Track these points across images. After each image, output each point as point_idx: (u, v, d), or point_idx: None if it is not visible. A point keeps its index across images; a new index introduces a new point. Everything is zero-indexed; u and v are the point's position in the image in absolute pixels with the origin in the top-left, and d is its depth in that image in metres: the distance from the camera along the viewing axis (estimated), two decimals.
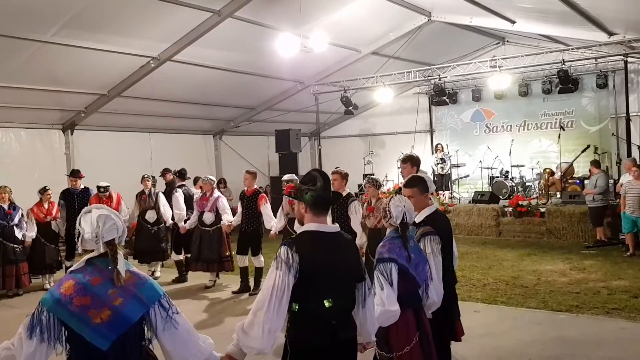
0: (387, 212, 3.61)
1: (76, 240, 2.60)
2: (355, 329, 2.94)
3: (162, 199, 9.82)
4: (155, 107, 13.62)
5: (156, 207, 9.75)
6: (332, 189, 3.04)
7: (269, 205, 8.37)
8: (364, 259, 6.75)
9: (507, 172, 15.04)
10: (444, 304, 3.88)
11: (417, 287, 3.58)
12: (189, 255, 9.32)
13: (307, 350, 2.79)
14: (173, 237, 9.75)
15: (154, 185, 9.98)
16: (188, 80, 12.53)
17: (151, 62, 11.10)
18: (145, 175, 9.97)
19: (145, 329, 2.55)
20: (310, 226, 2.89)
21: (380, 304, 3.33)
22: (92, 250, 2.56)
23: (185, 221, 9.24)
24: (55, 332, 2.39)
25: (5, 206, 8.81)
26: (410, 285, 3.52)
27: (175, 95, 13.26)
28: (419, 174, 4.95)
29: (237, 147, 17.01)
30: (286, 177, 8.92)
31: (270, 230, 8.29)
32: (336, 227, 3.04)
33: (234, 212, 9.07)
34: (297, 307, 2.78)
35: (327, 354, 2.77)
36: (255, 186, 8.63)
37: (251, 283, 8.57)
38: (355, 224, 6.84)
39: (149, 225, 9.75)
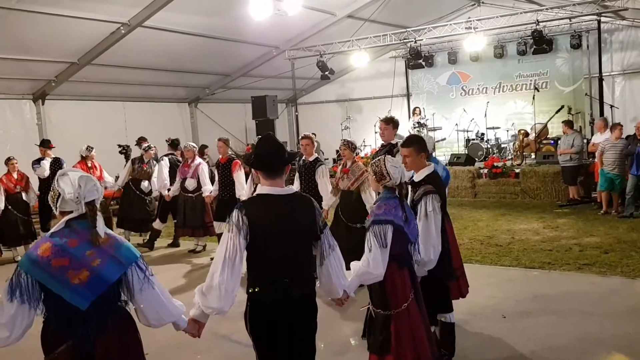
0: (386, 175, 3.60)
1: (53, 202, 2.60)
2: (312, 286, 3.05)
3: (156, 170, 9.81)
4: (128, 75, 13.35)
5: (151, 177, 9.78)
6: (286, 153, 3.08)
7: (242, 173, 8.33)
8: (331, 221, 6.87)
9: (482, 134, 15.17)
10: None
11: (409, 244, 3.63)
12: (176, 222, 9.49)
13: (264, 306, 2.92)
14: (159, 205, 9.80)
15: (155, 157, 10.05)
16: (160, 46, 12.28)
17: (121, 28, 10.82)
18: (150, 145, 9.96)
19: (121, 289, 2.60)
20: (262, 189, 3.01)
21: (365, 264, 3.41)
22: (70, 212, 2.57)
23: (168, 189, 9.30)
24: (35, 293, 2.43)
25: None
26: (404, 245, 3.57)
27: (147, 62, 13.01)
28: (418, 135, 5.00)
29: (213, 114, 16.81)
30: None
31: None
32: (290, 190, 3.10)
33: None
34: (252, 267, 2.94)
35: (283, 309, 2.91)
36: (230, 152, 8.62)
37: None
38: (322, 188, 6.87)
39: (142, 195, 9.74)
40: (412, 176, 4.25)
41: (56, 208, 2.60)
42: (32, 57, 11.11)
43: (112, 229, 2.81)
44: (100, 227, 2.55)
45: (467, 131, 15.58)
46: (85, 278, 2.45)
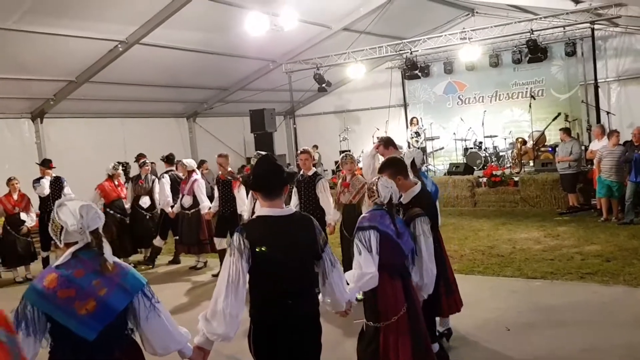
0: (375, 192, 3.68)
1: (56, 235, 2.57)
2: (315, 305, 3.06)
3: (157, 186, 9.81)
4: (126, 91, 13.39)
5: (151, 193, 9.79)
6: (285, 170, 3.11)
7: (243, 189, 8.36)
8: (336, 234, 6.88)
9: (480, 142, 15.19)
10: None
11: (403, 256, 3.65)
12: (176, 238, 9.59)
13: (268, 326, 2.92)
14: (160, 222, 9.83)
15: (153, 172, 10.16)
16: (158, 63, 12.32)
17: (119, 45, 10.87)
18: (145, 161, 10.09)
19: (128, 318, 2.58)
20: (262, 211, 3.01)
21: (357, 267, 3.48)
22: (75, 243, 2.55)
23: (172, 206, 9.33)
24: (41, 325, 2.40)
25: None
26: (396, 253, 3.59)
27: (145, 79, 13.05)
28: (394, 155, 4.97)
29: (211, 129, 16.86)
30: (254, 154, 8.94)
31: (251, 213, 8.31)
32: (289, 210, 3.09)
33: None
34: (254, 289, 2.93)
35: (288, 329, 2.90)
36: (230, 168, 8.64)
37: None
38: (324, 202, 6.87)
39: (143, 211, 9.78)
40: (401, 197, 4.26)
41: (60, 241, 2.57)
42: (30, 77, 11.13)
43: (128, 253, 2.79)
44: (108, 254, 2.55)
45: (465, 140, 15.63)
46: (92, 308, 2.44)
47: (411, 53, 14.54)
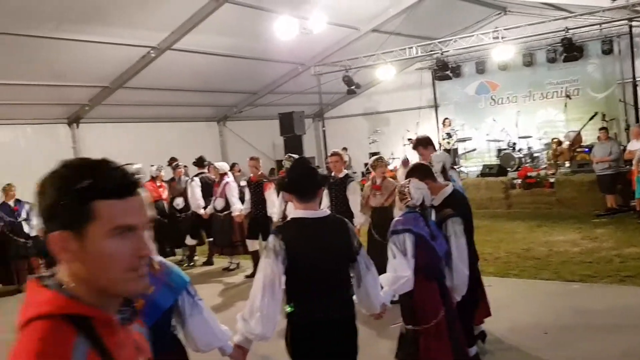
0: (408, 194, 3.66)
1: None
2: (351, 307, 3.07)
3: (189, 188, 9.85)
4: (158, 96, 13.60)
5: (185, 194, 9.91)
6: (318, 172, 3.16)
7: (274, 192, 8.37)
8: (365, 239, 6.81)
9: (514, 143, 14.88)
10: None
11: (438, 259, 3.61)
12: (211, 240, 9.69)
13: (304, 327, 2.95)
14: (191, 223, 9.92)
15: (186, 174, 10.37)
16: (189, 68, 12.49)
17: (151, 52, 11.05)
18: (178, 164, 10.37)
19: (172, 315, 2.65)
20: (297, 213, 3.06)
21: (392, 271, 3.49)
22: None
23: (205, 207, 9.40)
24: None
25: (11, 203, 8.93)
26: (431, 255, 3.56)
27: (177, 83, 13.23)
28: (418, 162, 4.94)
29: (241, 132, 16.99)
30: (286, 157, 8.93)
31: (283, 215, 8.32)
32: (324, 212, 3.14)
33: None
34: (290, 290, 2.96)
35: (325, 329, 2.91)
36: (261, 171, 8.67)
37: None
38: (353, 204, 6.82)
39: (176, 212, 9.94)
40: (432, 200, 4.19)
41: None
42: (65, 83, 11.41)
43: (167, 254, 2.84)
44: (154, 253, 2.61)
45: (498, 141, 15.35)
46: (141, 306, 2.48)
47: (442, 53, 14.38)
